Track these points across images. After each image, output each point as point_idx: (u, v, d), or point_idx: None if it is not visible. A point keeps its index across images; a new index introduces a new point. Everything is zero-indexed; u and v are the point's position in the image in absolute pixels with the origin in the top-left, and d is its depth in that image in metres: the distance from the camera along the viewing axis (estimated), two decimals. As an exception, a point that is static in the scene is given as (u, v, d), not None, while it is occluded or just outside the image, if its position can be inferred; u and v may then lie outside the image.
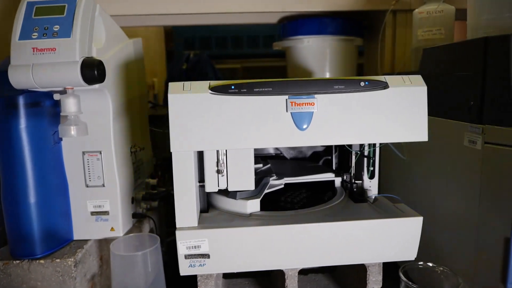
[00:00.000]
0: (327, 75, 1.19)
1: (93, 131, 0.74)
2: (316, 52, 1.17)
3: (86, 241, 0.78)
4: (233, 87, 0.59)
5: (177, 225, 0.64)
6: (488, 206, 0.63)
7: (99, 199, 0.78)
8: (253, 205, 0.71)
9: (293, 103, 0.60)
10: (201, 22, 1.35)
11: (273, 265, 0.68)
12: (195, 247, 0.63)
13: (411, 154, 0.83)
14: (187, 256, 0.63)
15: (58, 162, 0.75)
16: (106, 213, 0.78)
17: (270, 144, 0.62)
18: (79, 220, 0.78)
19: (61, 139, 0.75)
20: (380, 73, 1.15)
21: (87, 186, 0.77)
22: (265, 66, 2.49)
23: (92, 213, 0.78)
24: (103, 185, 0.77)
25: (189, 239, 0.63)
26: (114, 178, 0.78)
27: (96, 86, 0.70)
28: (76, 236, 0.78)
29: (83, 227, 0.78)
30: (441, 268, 0.71)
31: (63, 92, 0.68)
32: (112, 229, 0.79)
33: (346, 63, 1.18)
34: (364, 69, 1.35)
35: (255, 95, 0.60)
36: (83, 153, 0.76)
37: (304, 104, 0.60)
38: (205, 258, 0.64)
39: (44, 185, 0.71)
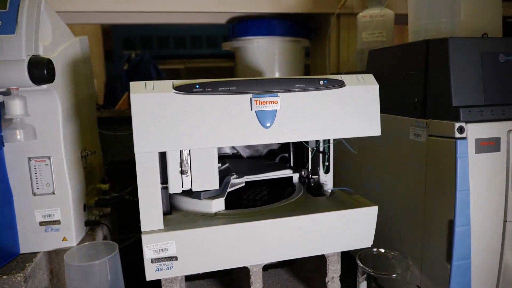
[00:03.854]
0: (276, 75, 1.23)
1: (41, 135, 0.69)
2: (265, 52, 1.20)
3: (34, 254, 0.73)
4: (197, 86, 0.59)
5: (143, 229, 0.62)
6: (433, 193, 0.70)
7: (48, 208, 0.73)
8: (218, 204, 0.71)
9: (257, 102, 0.61)
10: (147, 21, 1.31)
11: (241, 262, 0.69)
12: (162, 250, 0.62)
13: (361, 149, 0.88)
14: (153, 260, 0.62)
15: (0, 170, 0.69)
16: (57, 222, 0.74)
17: (235, 143, 0.62)
18: (26, 231, 0.72)
19: (3, 144, 0.68)
20: (328, 73, 1.20)
21: (34, 194, 0.72)
22: (209, 67, 2.48)
23: (41, 223, 0.73)
24: (53, 193, 0.73)
25: (156, 242, 0.61)
26: (65, 185, 0.73)
27: (44, 86, 0.65)
28: (23, 249, 0.72)
29: (31, 239, 0.73)
30: (393, 253, 0.77)
31: (7, 93, 0.63)
32: (64, 239, 0.74)
33: (294, 64, 1.22)
34: (310, 69, 1.41)
35: (220, 94, 0.60)
36: (29, 159, 0.71)
37: (267, 103, 0.62)
38: (172, 260, 0.62)
39: (-16, 196, 0.65)
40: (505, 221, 0.67)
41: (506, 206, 0.67)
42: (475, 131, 0.64)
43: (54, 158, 0.72)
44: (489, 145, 0.65)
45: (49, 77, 0.63)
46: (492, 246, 0.68)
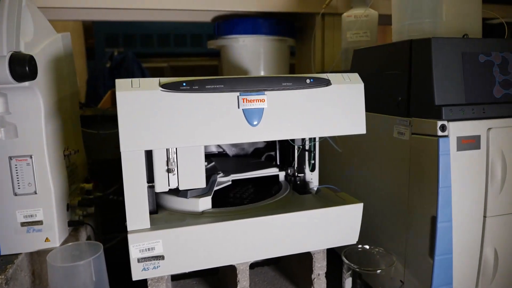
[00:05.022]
0: (262, 74, 1.23)
1: (23, 134, 0.68)
2: (251, 51, 1.20)
3: (16, 255, 0.71)
4: (184, 84, 0.59)
5: (129, 228, 0.62)
6: (416, 190, 0.71)
7: (30, 208, 0.71)
8: (205, 203, 0.71)
9: (245, 100, 0.61)
10: (130, 18, 1.29)
11: (228, 261, 0.69)
12: (148, 249, 0.61)
13: (346, 147, 0.89)
14: (140, 260, 0.61)
15: (-20, 169, 0.67)
16: (39, 222, 0.72)
17: (223, 141, 0.62)
18: (7, 232, 0.71)
19: (-17, 143, 0.66)
20: (313, 72, 1.21)
21: (15, 194, 0.70)
22: (193, 65, 2.47)
23: (23, 224, 0.71)
24: (35, 193, 0.71)
25: (143, 241, 0.60)
26: (48, 184, 0.71)
27: (26, 83, 0.64)
28: (4, 251, 0.71)
29: (12, 240, 0.71)
30: (377, 249, 0.78)
31: (-13, 90, 0.61)
32: (47, 239, 0.73)
33: (280, 63, 1.23)
34: (295, 68, 1.42)
35: (207, 92, 0.60)
36: (10, 158, 0.69)
37: (255, 101, 0.62)
38: (159, 260, 0.62)
39: (-37, 196, 0.63)
40: (485, 216, 0.69)
41: (486, 202, 0.69)
42: (456, 129, 0.65)
43: (36, 157, 0.70)
44: (470, 143, 0.67)
45: (31, 74, 0.62)
46: (473, 241, 0.70)
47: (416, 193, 0.71)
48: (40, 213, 0.72)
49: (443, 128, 0.65)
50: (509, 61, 0.70)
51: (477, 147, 0.67)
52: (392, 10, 0.82)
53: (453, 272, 0.69)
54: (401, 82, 0.73)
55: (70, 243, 0.73)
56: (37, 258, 0.74)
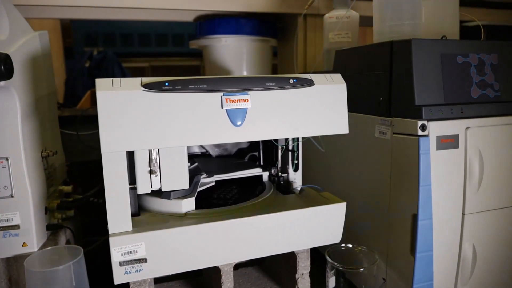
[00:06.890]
0: (245, 74, 1.23)
1: (-2, 135, 0.65)
2: (233, 51, 1.20)
3: (-9, 261, 0.69)
4: (167, 83, 0.58)
5: (110, 231, 0.60)
6: (397, 188, 0.72)
7: (6, 212, 0.69)
8: (188, 204, 0.70)
9: (228, 100, 0.61)
10: (110, 16, 1.27)
11: (212, 262, 0.68)
12: (131, 252, 0.60)
13: (328, 147, 0.90)
14: (122, 263, 0.60)
15: (-48, 172, 0.64)
16: (16, 227, 0.70)
17: (206, 141, 0.62)
18: (-18, 238, 0.68)
19: (-45, 145, 0.64)
20: (296, 73, 1.22)
21: (-10, 198, 0.67)
22: (174, 65, 2.44)
23: (-2, 229, 0.69)
24: (12, 196, 0.69)
25: (125, 244, 0.59)
26: (25, 187, 0.69)
27: (1, 83, 0.62)
28: (-21, 257, 0.68)
29: (-12, 246, 0.68)
30: (360, 248, 0.79)
31: (-41, 90, 0.59)
32: (24, 244, 0.71)
33: (262, 63, 1.23)
34: (278, 69, 1.42)
35: (190, 92, 0.59)
36: (-16, 160, 0.66)
37: (238, 101, 0.61)
38: (142, 263, 0.61)
39: None
40: (463, 214, 0.71)
41: (464, 200, 0.71)
42: (436, 128, 0.67)
43: (13, 159, 0.68)
44: (449, 142, 0.68)
45: (7, 73, 0.60)
46: (452, 238, 0.71)
47: (398, 191, 0.72)
48: (16, 217, 0.69)
49: (423, 127, 0.66)
50: (485, 62, 0.73)
51: (456, 146, 0.69)
52: (373, 12, 0.83)
53: (434, 269, 0.70)
54: (382, 82, 0.74)
55: (48, 248, 0.70)
56: (14, 263, 0.72)
